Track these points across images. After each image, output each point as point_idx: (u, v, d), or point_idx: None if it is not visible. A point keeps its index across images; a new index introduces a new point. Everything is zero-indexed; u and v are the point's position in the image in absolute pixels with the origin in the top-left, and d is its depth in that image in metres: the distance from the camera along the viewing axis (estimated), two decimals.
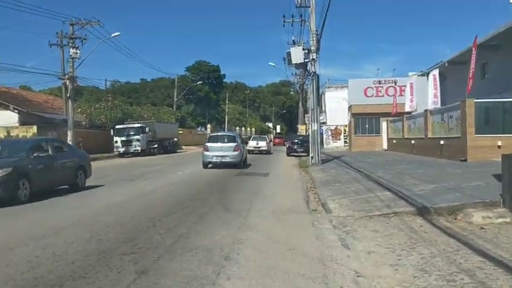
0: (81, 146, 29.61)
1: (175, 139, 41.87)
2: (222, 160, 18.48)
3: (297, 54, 19.61)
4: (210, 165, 18.56)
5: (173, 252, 5.46)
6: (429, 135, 21.99)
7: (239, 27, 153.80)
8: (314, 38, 19.68)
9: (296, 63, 19.83)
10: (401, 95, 34.03)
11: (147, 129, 34.12)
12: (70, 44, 27.77)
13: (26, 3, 48.38)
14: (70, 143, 27.68)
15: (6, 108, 28.95)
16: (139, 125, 34.37)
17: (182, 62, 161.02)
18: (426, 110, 22.86)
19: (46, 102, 39.15)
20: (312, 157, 19.84)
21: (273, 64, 42.93)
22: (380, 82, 35.10)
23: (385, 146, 32.12)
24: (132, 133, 33.38)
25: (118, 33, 29.49)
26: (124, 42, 60.87)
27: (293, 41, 20.49)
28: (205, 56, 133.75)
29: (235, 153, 18.83)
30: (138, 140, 33.09)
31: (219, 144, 19.08)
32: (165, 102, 61.67)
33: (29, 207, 9.21)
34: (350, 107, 34.72)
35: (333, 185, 12.04)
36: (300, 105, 43.72)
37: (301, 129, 42.33)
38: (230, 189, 11.49)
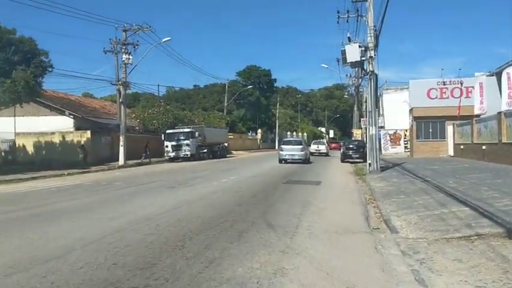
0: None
1: (225, 144, 41.25)
2: (292, 158, 25.37)
3: (353, 52, 17.99)
4: (283, 162, 25.14)
5: (197, 285, 4.28)
6: (504, 139, 19.48)
7: (291, 31, 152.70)
8: (372, 34, 17.99)
9: (352, 62, 18.20)
10: (467, 96, 31.32)
11: (197, 134, 33.67)
12: (123, 50, 27.83)
13: (78, 9, 50.03)
14: (122, 147, 27.76)
15: (62, 113, 29.56)
16: (188, 129, 34.03)
17: (234, 67, 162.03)
18: (500, 112, 20.39)
19: (103, 108, 40.04)
20: (369, 164, 18.11)
21: (326, 66, 41.13)
22: (444, 83, 32.35)
23: (451, 152, 29.42)
24: (182, 138, 33.07)
25: (168, 38, 29.32)
26: (177, 49, 61.62)
27: (348, 38, 18.88)
28: (257, 61, 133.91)
29: (302, 152, 25.98)
30: (188, 144, 32.71)
31: (290, 146, 26.54)
32: (216, 107, 61.55)
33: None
34: (411, 110, 32.26)
35: (397, 197, 10.40)
36: (355, 108, 41.57)
37: (356, 134, 40.20)
38: (276, 200, 10.19)
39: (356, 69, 37.30)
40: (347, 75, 39.16)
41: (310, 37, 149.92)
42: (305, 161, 25.50)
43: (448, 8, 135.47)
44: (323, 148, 38.12)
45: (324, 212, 8.72)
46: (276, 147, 67.04)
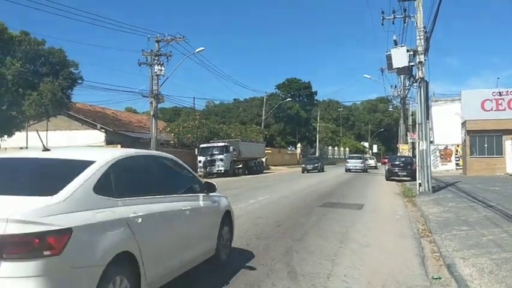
0: None
1: (262, 159, 39.62)
2: (355, 168, 36.79)
3: (400, 57, 15.96)
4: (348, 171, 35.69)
5: None
6: None
7: (332, 43, 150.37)
8: (422, 36, 15.91)
9: (398, 68, 16.15)
10: None
11: (231, 148, 32.28)
12: (156, 61, 27.11)
13: (109, 18, 50.48)
14: None
15: (94, 127, 29.13)
16: (223, 143, 32.73)
17: (274, 82, 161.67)
18: None
19: (139, 122, 39.75)
20: (419, 184, 15.85)
21: (369, 76, 38.77)
22: (500, 93, 29.22)
23: (510, 170, 26.28)
24: (216, 152, 31.81)
25: (202, 48, 28.31)
26: (216, 63, 61.46)
27: (394, 41, 16.82)
28: (297, 74, 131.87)
29: (362, 164, 37.95)
30: (221, 159, 31.36)
31: (354, 160, 38.93)
32: (255, 120, 60.14)
33: None
34: (463, 123, 29.33)
35: (458, 229, 8.29)
36: (401, 121, 38.77)
37: (402, 149, 37.37)
38: (307, 231, 8.32)
39: (402, 78, 34.89)
40: (391, 86, 36.64)
41: (352, 50, 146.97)
42: (364, 170, 37.32)
43: (488, 17, 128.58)
44: (372, 162, 47.61)
45: (366, 250, 6.79)
46: None
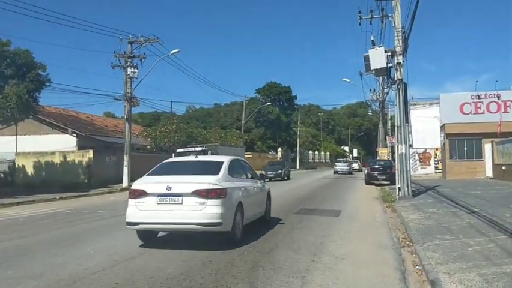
0: None
1: None
2: (342, 170, 43.44)
3: (378, 58, 15.49)
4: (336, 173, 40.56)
5: None
6: None
7: (311, 49, 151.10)
8: (400, 37, 15.49)
9: (376, 69, 15.67)
10: (505, 111, 28.30)
11: (209, 153, 31.31)
12: (128, 63, 26.10)
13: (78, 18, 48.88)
14: (126, 167, 25.76)
15: (65, 131, 27.90)
16: (200, 148, 31.74)
17: (254, 86, 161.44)
18: None
19: (115, 126, 38.48)
20: (399, 188, 15.36)
21: (348, 80, 38.42)
22: (479, 97, 29.30)
23: (490, 174, 26.19)
24: None
25: (177, 50, 27.39)
26: (194, 67, 60.48)
27: (372, 41, 16.33)
28: (277, 79, 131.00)
29: (348, 167, 44.89)
30: None
31: (341, 164, 45.69)
32: (235, 125, 59.44)
33: None
34: (442, 127, 29.22)
35: (441, 238, 7.73)
36: (380, 125, 38.58)
37: (382, 152, 37.13)
38: (278, 242, 7.58)
39: (380, 81, 34.72)
40: (370, 89, 36.41)
41: (331, 55, 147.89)
42: (349, 172, 44.15)
43: (465, 23, 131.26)
44: (356, 166, 55.18)
45: (341, 265, 6.10)
46: (297, 167, 64.37)
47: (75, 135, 27.86)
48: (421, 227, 9.04)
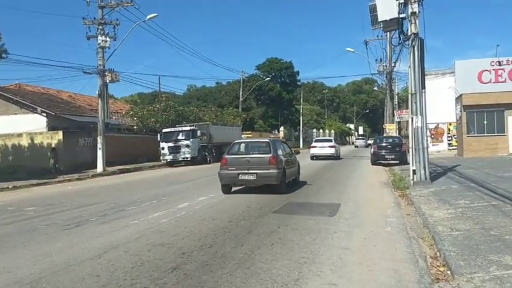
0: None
1: None
2: (323, 153, 27.52)
3: (387, 6, 12.16)
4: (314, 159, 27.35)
5: None
6: None
7: (315, 23, 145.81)
8: None
9: (385, 21, 12.33)
10: None
11: (199, 132, 28.27)
12: (99, 31, 22.82)
13: None
14: (100, 150, 22.79)
15: (34, 111, 24.84)
16: (189, 128, 28.68)
17: (255, 63, 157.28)
18: None
19: (91, 106, 35.23)
20: (414, 171, 12.23)
21: (352, 50, 34.77)
22: (500, 63, 25.77)
23: None
24: (181, 138, 27.77)
25: (154, 15, 23.87)
26: (197, 44, 56.54)
27: None
28: (279, 55, 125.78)
29: (332, 150, 27.90)
30: (187, 145, 27.37)
31: (320, 144, 28.87)
32: (234, 103, 56.03)
33: None
34: (458, 98, 25.80)
35: (498, 262, 4.63)
36: (387, 98, 34.94)
37: (389, 129, 33.72)
38: (224, 276, 4.60)
39: (388, 50, 31.13)
40: (376, 60, 32.77)
41: (335, 32, 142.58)
42: (336, 157, 27.84)
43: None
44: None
45: None
46: (301, 146, 61.13)
47: (45, 114, 24.79)
48: (457, 235, 5.94)
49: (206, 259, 5.08)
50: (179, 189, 13.46)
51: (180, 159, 27.71)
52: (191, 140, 27.60)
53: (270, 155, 11.18)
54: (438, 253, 5.33)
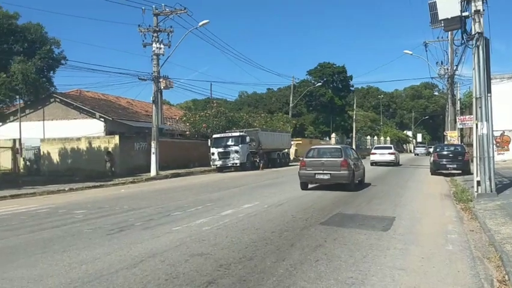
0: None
1: (286, 150, 35.26)
2: (383, 160, 28.77)
3: (448, 4, 11.31)
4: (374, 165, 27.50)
5: None
6: None
7: (369, 27, 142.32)
8: None
9: (446, 19, 11.45)
10: None
11: (248, 138, 28.21)
12: (154, 38, 23.39)
13: None
14: (154, 154, 23.26)
15: (93, 116, 25.91)
16: (238, 133, 28.68)
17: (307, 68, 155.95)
18: None
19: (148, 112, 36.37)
20: (478, 182, 11.21)
21: (410, 52, 33.17)
22: None
23: None
24: (230, 143, 27.84)
25: (206, 21, 24.11)
26: (247, 49, 57.06)
27: None
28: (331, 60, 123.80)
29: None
30: (237, 151, 27.37)
31: (380, 151, 30.02)
32: (284, 109, 55.66)
33: None
34: None
35: None
36: (449, 104, 32.98)
37: (451, 136, 31.80)
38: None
39: (449, 52, 29.41)
40: (437, 62, 31.04)
41: (391, 34, 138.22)
42: (396, 163, 29.06)
43: None
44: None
45: None
46: None
47: (103, 119, 25.79)
48: None
49: (244, 274, 4.73)
50: (226, 195, 13.25)
51: (229, 165, 27.77)
52: (240, 145, 27.58)
53: (341, 159, 13.34)
54: (506, 276, 4.63)
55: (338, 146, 15.27)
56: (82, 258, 5.54)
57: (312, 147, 15.90)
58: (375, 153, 29.49)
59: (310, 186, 14.33)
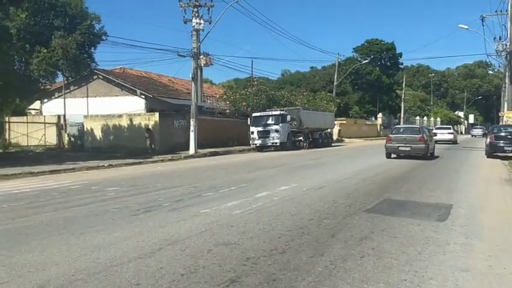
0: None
1: (328, 130, 34.03)
2: (443, 139, 32.46)
3: None
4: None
5: None
6: None
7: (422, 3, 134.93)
8: None
9: None
10: None
11: (289, 117, 27.31)
12: (194, 13, 22.77)
13: None
14: (192, 132, 22.94)
15: (134, 93, 25.88)
16: (279, 112, 27.80)
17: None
18: None
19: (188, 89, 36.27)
20: None
21: (465, 27, 30.63)
22: None
23: None
24: (271, 122, 27.04)
25: None
26: (291, 25, 55.51)
27: None
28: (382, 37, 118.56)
29: (451, 135, 33.79)
30: (277, 130, 26.55)
31: (441, 131, 34.25)
32: (327, 88, 53.88)
33: None
34: None
35: None
36: (506, 82, 30.37)
37: (507, 117, 29.31)
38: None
39: (508, 27, 26.78)
40: (494, 38, 28.51)
41: (443, 12, 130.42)
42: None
43: None
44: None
45: None
46: None
47: (143, 96, 25.73)
48: None
49: (274, 271, 4.01)
50: (262, 175, 12.58)
51: (269, 144, 27.07)
52: (280, 124, 26.74)
53: (420, 135, 17.50)
54: None
55: (417, 126, 21.28)
56: (97, 243, 5.04)
57: (395, 126, 21.26)
58: (436, 134, 32.10)
59: (353, 168, 13.37)
